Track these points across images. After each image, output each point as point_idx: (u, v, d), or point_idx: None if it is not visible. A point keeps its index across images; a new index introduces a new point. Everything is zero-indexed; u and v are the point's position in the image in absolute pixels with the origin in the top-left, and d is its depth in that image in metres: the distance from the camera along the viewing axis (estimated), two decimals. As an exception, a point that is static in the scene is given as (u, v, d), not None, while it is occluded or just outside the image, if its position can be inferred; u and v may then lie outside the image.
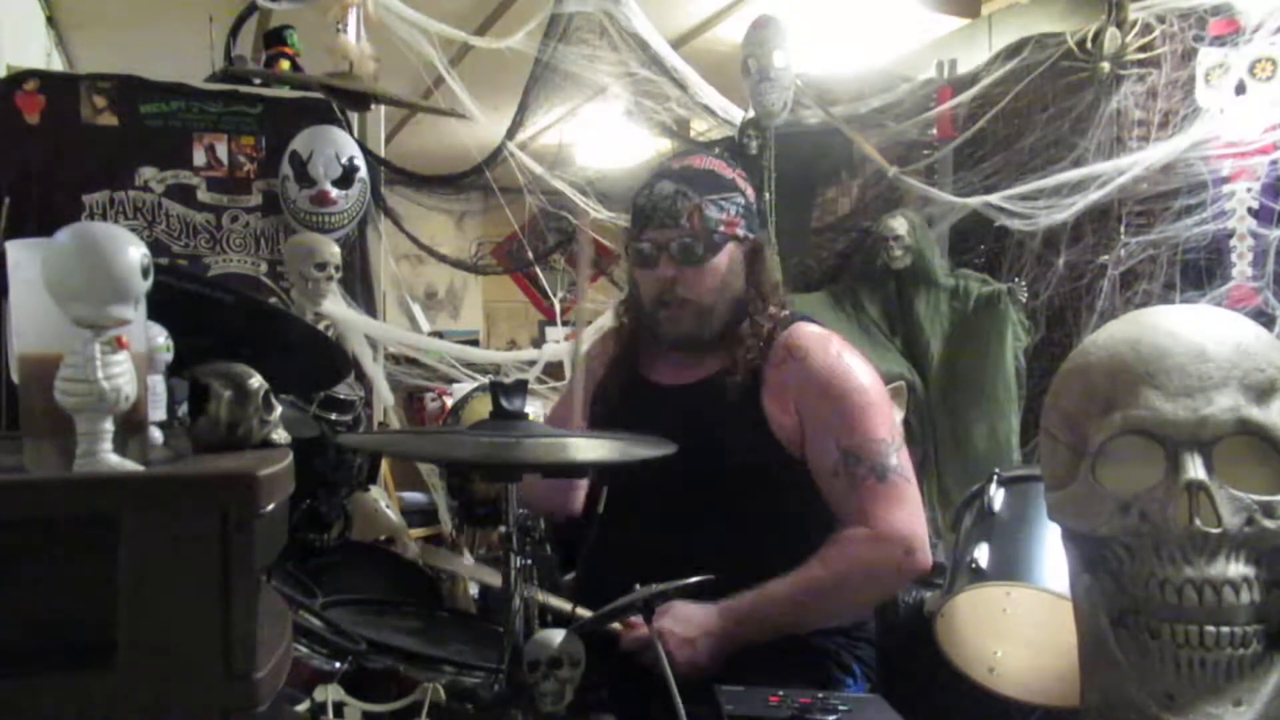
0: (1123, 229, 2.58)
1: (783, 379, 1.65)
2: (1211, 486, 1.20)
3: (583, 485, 1.85)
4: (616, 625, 1.49)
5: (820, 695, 1.33)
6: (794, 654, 1.58)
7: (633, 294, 1.79)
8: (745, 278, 1.70)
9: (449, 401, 3.75)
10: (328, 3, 3.12)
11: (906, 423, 2.81)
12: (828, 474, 1.61)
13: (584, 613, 1.45)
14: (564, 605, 1.51)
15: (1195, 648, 1.19)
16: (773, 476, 1.64)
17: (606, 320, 2.79)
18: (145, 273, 0.87)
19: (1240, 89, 2.31)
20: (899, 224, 2.90)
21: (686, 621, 1.52)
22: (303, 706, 1.26)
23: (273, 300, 3.08)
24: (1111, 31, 2.52)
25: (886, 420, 1.63)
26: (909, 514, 1.59)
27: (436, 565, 2.30)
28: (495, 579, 1.45)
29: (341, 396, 2.19)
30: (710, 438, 1.58)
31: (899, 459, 1.61)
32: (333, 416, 2.17)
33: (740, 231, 1.68)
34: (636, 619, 1.47)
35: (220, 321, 1.34)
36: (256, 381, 1.14)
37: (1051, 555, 1.57)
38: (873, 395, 1.64)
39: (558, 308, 4.16)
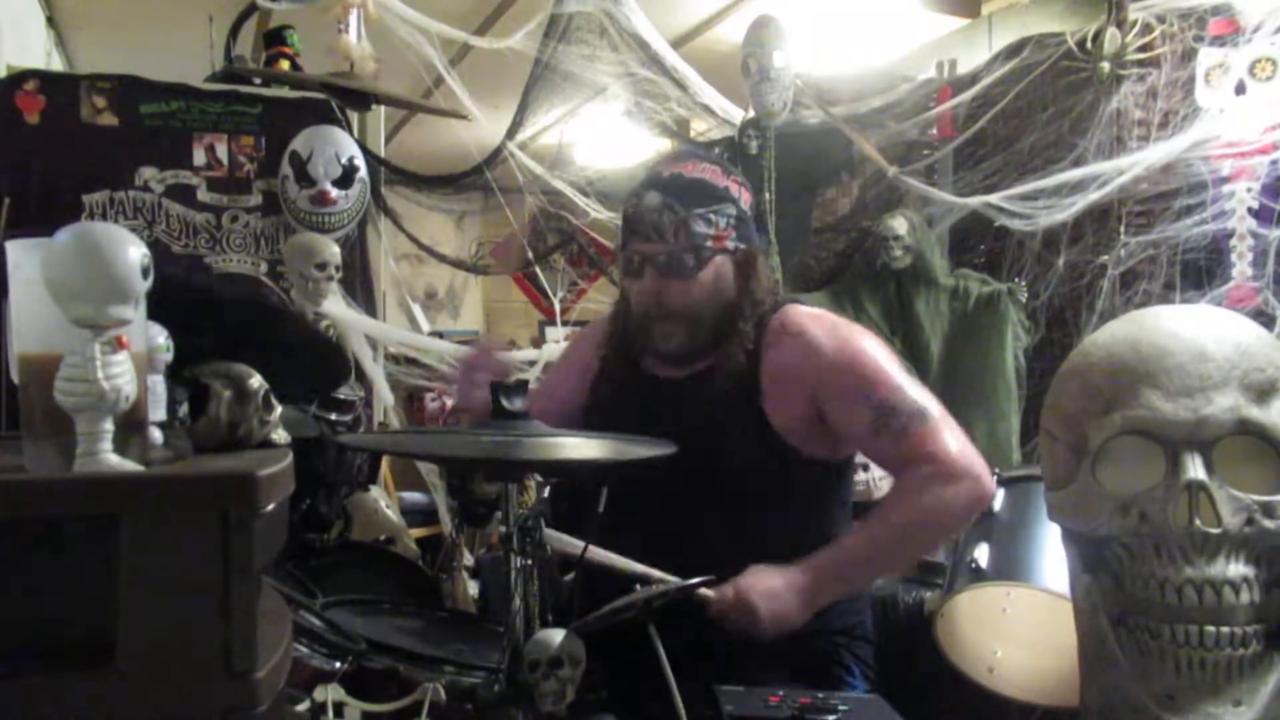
0: (1123, 229, 2.58)
1: (783, 360, 1.62)
2: (1211, 486, 1.20)
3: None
4: (708, 593, 1.47)
5: (820, 695, 1.33)
6: (792, 654, 1.56)
7: (625, 300, 1.78)
8: (736, 287, 1.66)
9: (449, 401, 3.75)
10: (328, 3, 3.12)
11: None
12: (869, 436, 1.59)
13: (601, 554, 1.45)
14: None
15: (1195, 648, 1.19)
16: (770, 469, 1.61)
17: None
18: (145, 273, 0.87)
19: (1240, 89, 2.30)
20: (899, 224, 2.90)
21: (770, 575, 1.50)
22: (303, 706, 1.26)
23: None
24: (1111, 31, 2.52)
25: (899, 370, 1.62)
26: (964, 443, 1.57)
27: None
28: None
29: (341, 396, 2.19)
30: (706, 431, 1.56)
31: (928, 398, 1.59)
32: (333, 416, 2.17)
33: (730, 243, 1.64)
34: (712, 592, 1.46)
35: (220, 321, 1.34)
36: (256, 381, 1.14)
37: (1051, 555, 1.57)
38: (878, 353, 1.63)
39: (558, 308, 4.16)
